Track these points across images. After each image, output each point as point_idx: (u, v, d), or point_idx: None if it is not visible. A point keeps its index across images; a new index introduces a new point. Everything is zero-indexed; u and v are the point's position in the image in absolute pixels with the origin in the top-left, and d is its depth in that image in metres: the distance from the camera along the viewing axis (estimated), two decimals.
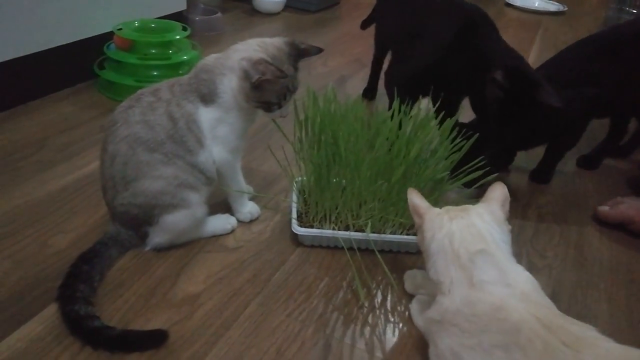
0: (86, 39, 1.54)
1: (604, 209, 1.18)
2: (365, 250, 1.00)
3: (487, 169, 0.98)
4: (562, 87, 1.13)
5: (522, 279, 0.72)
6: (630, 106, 1.36)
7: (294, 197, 1.05)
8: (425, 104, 1.09)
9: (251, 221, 1.07)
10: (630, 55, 1.21)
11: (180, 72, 1.54)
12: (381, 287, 0.95)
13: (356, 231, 1.00)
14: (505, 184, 0.83)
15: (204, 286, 0.91)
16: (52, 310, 0.82)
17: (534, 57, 2.20)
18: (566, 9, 3.13)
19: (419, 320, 0.86)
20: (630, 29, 1.30)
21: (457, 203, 0.83)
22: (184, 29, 1.58)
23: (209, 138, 0.94)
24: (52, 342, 0.77)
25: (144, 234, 0.94)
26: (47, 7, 1.41)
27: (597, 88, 1.19)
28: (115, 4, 1.59)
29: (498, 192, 0.81)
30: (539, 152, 1.32)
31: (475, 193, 0.82)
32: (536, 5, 3.15)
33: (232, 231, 1.04)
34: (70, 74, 1.54)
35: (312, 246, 1.02)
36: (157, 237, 0.94)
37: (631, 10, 2.81)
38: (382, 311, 0.90)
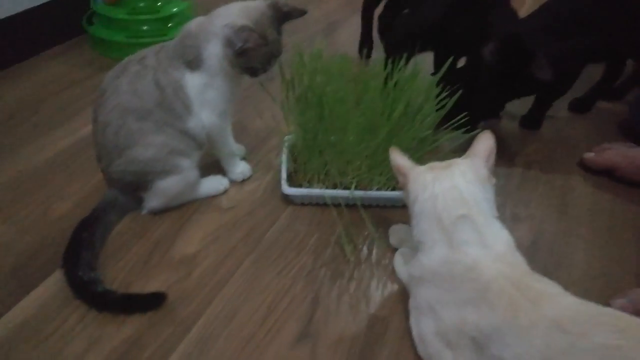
0: None
1: (590, 155, 1.20)
2: (353, 206, 1.04)
3: (478, 116, 1.00)
4: (559, 39, 1.12)
5: (499, 239, 0.75)
6: (630, 48, 1.34)
7: (284, 158, 1.08)
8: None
9: (244, 180, 1.11)
10: None
11: (170, 24, 1.52)
12: (367, 242, 1.00)
13: (344, 189, 1.04)
14: (496, 130, 0.83)
15: (200, 246, 0.96)
16: (58, 276, 0.88)
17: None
18: None
19: (401, 273, 0.91)
20: None
21: (450, 155, 0.84)
22: None
23: (197, 104, 0.95)
24: (61, 306, 0.84)
25: (139, 199, 0.99)
26: None
27: (596, 34, 1.17)
28: None
29: (483, 146, 0.81)
30: (530, 97, 1.32)
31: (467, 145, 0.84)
32: None
33: (225, 191, 1.08)
34: (60, 31, 1.53)
35: (302, 204, 1.07)
36: (152, 201, 0.98)
37: None
38: (368, 265, 0.95)
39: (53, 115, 1.27)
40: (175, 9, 1.53)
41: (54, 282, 0.87)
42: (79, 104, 1.31)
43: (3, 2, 1.36)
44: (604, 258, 1.00)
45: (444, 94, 1.00)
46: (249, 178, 1.12)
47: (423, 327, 0.77)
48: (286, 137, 1.10)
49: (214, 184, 1.07)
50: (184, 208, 1.03)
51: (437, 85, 1.01)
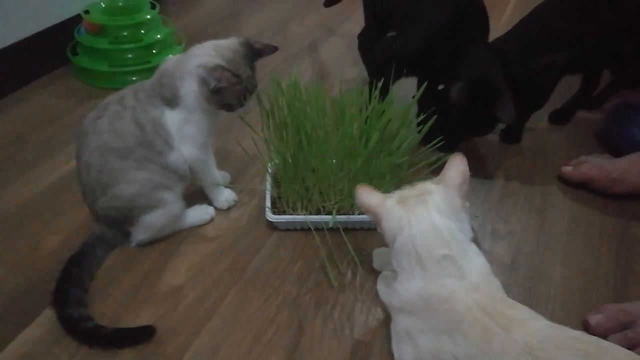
0: (55, 24, 1.54)
1: (568, 169, 1.23)
2: (337, 229, 1.06)
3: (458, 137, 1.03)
4: (534, 55, 1.15)
5: (474, 269, 0.76)
6: (605, 60, 1.37)
7: (267, 186, 1.10)
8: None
9: (229, 208, 1.13)
10: (605, 5, 1.21)
11: (154, 51, 1.55)
12: (351, 266, 1.02)
13: (327, 213, 1.06)
14: (475, 144, 0.84)
15: (186, 278, 0.99)
16: (49, 313, 0.90)
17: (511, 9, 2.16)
18: None
19: (384, 295, 0.93)
20: None
21: (430, 175, 0.86)
22: (153, 6, 1.57)
23: (178, 139, 0.98)
24: (53, 344, 0.86)
25: (126, 232, 1.01)
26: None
27: (572, 47, 1.20)
28: None
29: (455, 172, 0.81)
30: None
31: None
32: None
33: (212, 220, 1.10)
34: (45, 62, 1.56)
35: (287, 230, 1.09)
36: (139, 235, 1.01)
37: None
38: (351, 290, 0.98)
39: (39, 149, 1.29)
40: (158, 36, 1.55)
41: (46, 319, 0.89)
42: (64, 137, 1.33)
43: None
44: (580, 273, 1.02)
45: (421, 117, 1.03)
46: (234, 205, 1.14)
47: (402, 353, 0.80)
48: (269, 164, 1.12)
49: (199, 213, 1.09)
50: (170, 239, 1.06)
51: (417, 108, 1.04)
